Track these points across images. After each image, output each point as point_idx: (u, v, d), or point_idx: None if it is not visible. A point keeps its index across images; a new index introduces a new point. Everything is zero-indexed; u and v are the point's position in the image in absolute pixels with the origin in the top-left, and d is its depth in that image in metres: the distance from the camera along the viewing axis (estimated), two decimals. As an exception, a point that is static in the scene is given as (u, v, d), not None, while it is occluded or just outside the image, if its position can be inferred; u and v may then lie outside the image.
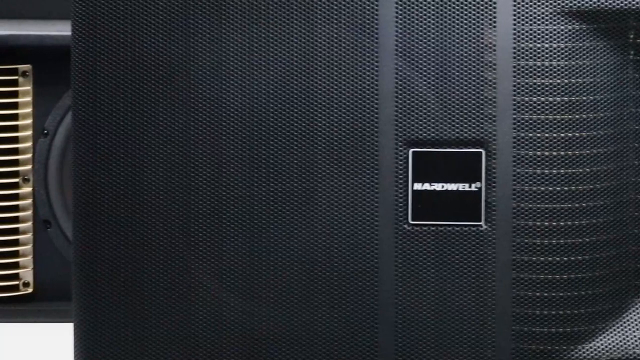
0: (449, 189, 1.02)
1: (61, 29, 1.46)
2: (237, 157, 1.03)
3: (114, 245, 1.05)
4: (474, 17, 1.01)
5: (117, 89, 1.04)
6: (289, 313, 1.03)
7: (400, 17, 1.01)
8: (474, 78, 1.01)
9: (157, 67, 1.04)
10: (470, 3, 1.01)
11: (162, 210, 1.04)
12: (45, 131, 1.47)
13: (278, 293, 1.03)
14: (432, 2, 1.01)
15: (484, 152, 1.01)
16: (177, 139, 1.04)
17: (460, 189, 1.01)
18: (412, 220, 1.02)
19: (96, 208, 1.05)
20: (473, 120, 1.01)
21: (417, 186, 1.02)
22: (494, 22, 1.00)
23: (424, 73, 1.01)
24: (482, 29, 1.01)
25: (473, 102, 1.01)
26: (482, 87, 1.01)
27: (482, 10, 1.01)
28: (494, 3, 1.00)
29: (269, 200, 1.03)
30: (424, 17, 1.01)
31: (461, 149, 1.01)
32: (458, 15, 1.01)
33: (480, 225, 1.01)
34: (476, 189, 1.01)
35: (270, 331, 1.03)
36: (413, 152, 1.02)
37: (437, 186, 1.02)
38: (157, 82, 1.04)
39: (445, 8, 1.01)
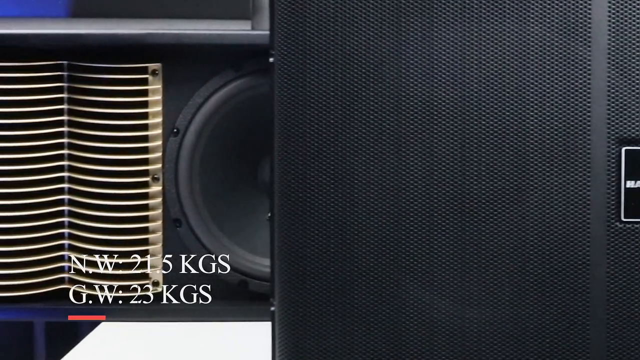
0: (661, 187, 1.03)
1: (195, 28, 1.45)
2: (448, 155, 1.03)
3: (322, 245, 1.04)
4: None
5: (326, 87, 1.04)
6: (500, 312, 1.03)
7: (613, 17, 1.02)
8: (685, 77, 1.02)
9: (367, 65, 1.03)
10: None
11: (372, 211, 1.04)
12: (176, 130, 1.46)
13: (489, 293, 1.03)
14: (645, 2, 1.02)
15: (695, 151, 1.02)
16: (387, 138, 1.04)
17: (672, 186, 1.02)
18: (625, 218, 1.02)
19: (304, 208, 1.04)
20: (684, 119, 1.02)
21: (630, 184, 1.02)
22: None
23: (634, 74, 1.02)
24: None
25: (684, 101, 1.02)
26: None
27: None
28: None
29: (481, 199, 1.03)
30: (637, 17, 1.02)
31: (673, 147, 1.02)
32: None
33: (692, 223, 1.03)
34: (688, 187, 1.02)
35: (482, 331, 1.03)
36: (625, 150, 1.02)
37: (650, 184, 1.03)
38: (367, 80, 1.04)
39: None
